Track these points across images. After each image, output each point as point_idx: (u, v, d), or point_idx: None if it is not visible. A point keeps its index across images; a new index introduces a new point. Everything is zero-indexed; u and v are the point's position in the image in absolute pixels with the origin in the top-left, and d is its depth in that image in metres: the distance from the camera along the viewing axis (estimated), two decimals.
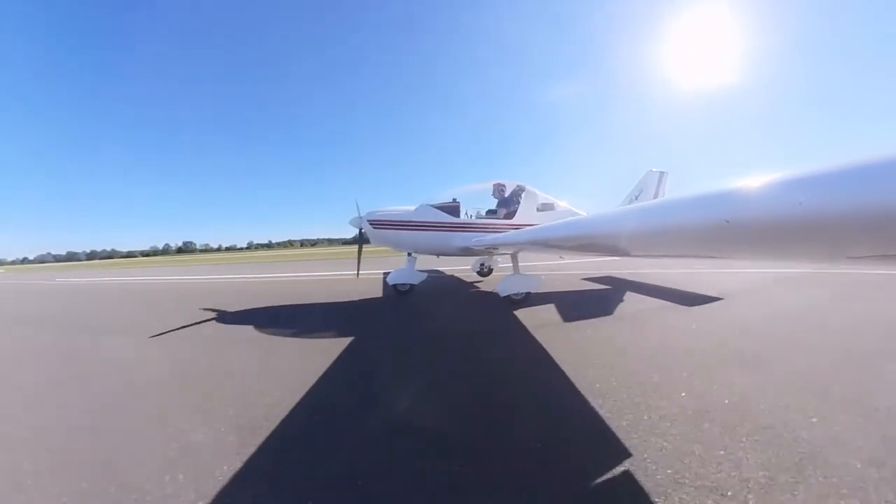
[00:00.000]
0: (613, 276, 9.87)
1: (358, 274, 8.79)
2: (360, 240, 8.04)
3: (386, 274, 8.93)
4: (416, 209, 7.75)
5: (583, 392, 2.89)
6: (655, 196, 10.11)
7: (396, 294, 8.00)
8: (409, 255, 8.26)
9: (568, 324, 5.27)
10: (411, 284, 8.11)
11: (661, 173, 10.30)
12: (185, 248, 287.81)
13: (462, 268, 12.42)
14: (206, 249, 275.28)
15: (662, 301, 6.44)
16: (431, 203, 7.86)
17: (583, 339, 4.44)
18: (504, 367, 3.70)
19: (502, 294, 6.48)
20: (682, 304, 6.07)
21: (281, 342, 4.95)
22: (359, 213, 7.71)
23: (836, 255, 1.60)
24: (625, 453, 2.08)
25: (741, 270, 9.23)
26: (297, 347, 4.66)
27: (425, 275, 8.48)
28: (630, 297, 6.96)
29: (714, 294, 6.58)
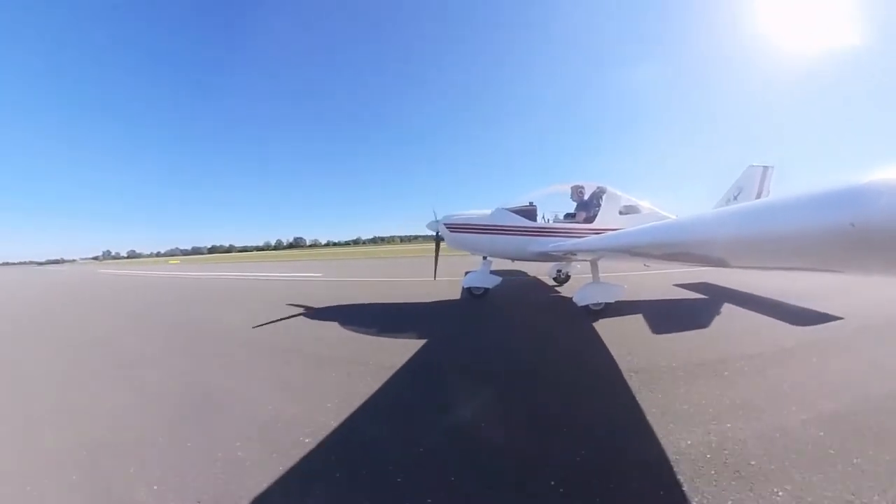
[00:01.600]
0: (711, 283, 8.94)
1: (435, 276, 8.95)
2: (437, 243, 8.19)
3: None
4: (492, 213, 7.73)
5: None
6: (758, 195, 8.97)
7: (471, 297, 8.03)
8: (485, 258, 8.26)
9: (656, 338, 4.83)
10: (486, 288, 8.10)
11: (765, 168, 9.05)
12: (296, 244, 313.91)
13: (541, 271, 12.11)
14: (315, 245, 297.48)
15: (767, 317, 5.61)
16: (508, 207, 7.78)
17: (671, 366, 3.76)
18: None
19: (580, 303, 6.17)
20: (792, 323, 5.20)
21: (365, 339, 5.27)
22: (435, 217, 7.88)
23: None
24: None
25: (866, 281, 7.74)
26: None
27: (500, 279, 8.41)
28: (729, 311, 6.16)
29: (833, 312, 5.54)
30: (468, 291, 8.21)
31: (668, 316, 5.99)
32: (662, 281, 9.50)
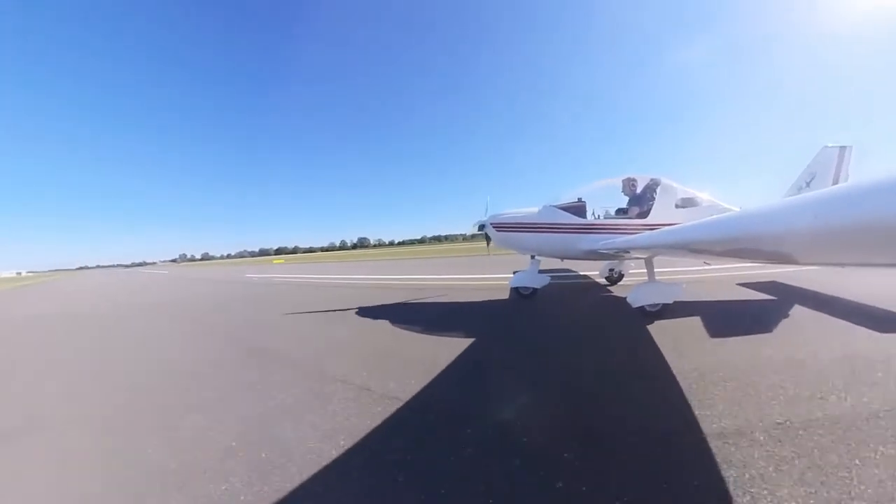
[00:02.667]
0: (780, 282, 8.19)
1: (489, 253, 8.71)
2: (487, 240, 8.19)
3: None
4: (539, 211, 7.59)
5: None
6: (835, 181, 8.10)
7: (519, 297, 7.94)
8: (533, 257, 8.14)
9: (713, 341, 4.50)
10: (534, 288, 7.96)
11: (842, 148, 8.07)
12: (360, 244, 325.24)
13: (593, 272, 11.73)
14: (380, 244, 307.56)
15: (844, 321, 4.96)
16: (555, 204, 7.61)
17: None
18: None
19: (634, 304, 5.81)
20: (874, 329, 4.55)
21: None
22: (485, 215, 7.89)
23: None
24: None
25: None
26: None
27: (549, 278, 8.24)
28: (799, 314, 5.53)
29: None
30: (516, 291, 8.11)
31: (730, 318, 5.51)
32: (725, 280, 8.85)
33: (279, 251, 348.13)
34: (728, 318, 5.49)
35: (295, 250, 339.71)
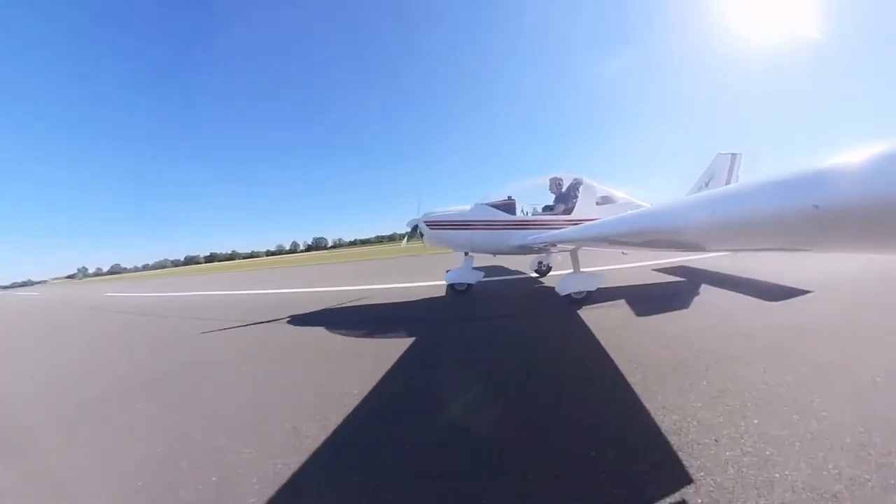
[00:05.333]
0: (687, 265, 9.37)
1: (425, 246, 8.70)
2: (412, 235, 8.27)
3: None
4: (471, 208, 7.74)
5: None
6: (728, 182, 9.22)
7: (455, 294, 8.05)
8: (466, 254, 8.28)
9: (639, 320, 5.06)
10: (469, 284, 8.12)
11: (734, 155, 9.29)
12: (316, 245, 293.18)
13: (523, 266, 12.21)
14: (339, 244, 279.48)
15: (742, 295, 5.99)
16: (486, 202, 7.82)
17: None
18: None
19: (562, 293, 6.33)
20: (765, 299, 5.54)
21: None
22: (418, 216, 7.87)
23: None
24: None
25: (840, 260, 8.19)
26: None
27: (482, 273, 8.45)
28: (707, 292, 6.48)
29: (803, 287, 5.94)
30: (451, 288, 8.22)
31: (648, 299, 6.24)
32: (643, 267, 9.79)
33: (211, 258, 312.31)
34: (651, 300, 6.19)
35: (232, 256, 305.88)
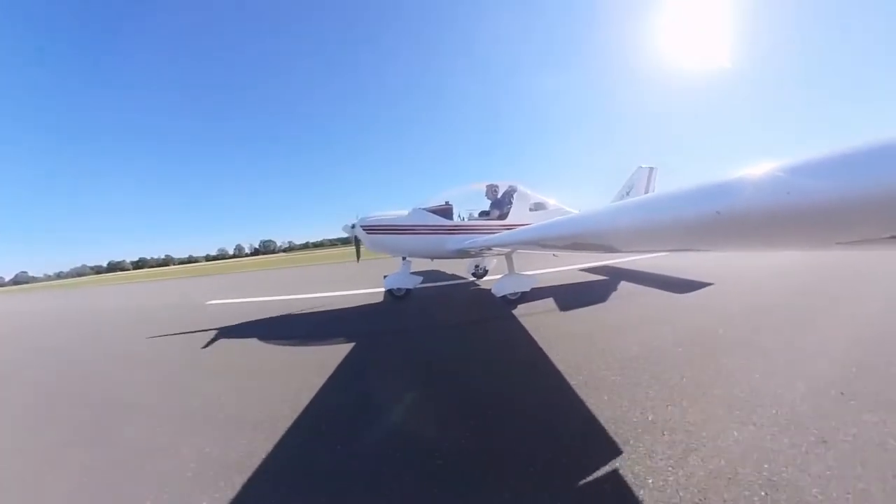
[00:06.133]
0: (610, 265, 10.23)
1: (358, 260, 8.62)
2: (357, 243, 8.05)
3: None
4: (409, 213, 7.73)
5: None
6: (646, 192, 10.21)
7: (393, 299, 7.98)
8: (405, 259, 8.24)
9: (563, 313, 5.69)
10: (407, 289, 8.10)
11: (651, 168, 10.41)
12: (264, 248, 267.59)
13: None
14: (290, 248, 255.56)
15: (656, 289, 6.78)
16: (424, 206, 7.85)
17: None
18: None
19: (498, 294, 6.55)
20: (675, 292, 6.44)
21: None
22: (356, 220, 7.70)
23: (826, 241, 1.62)
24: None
25: (734, 258, 9.53)
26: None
27: (421, 278, 8.46)
28: (624, 287, 7.27)
29: (706, 280, 7.02)
30: (390, 293, 8.14)
31: (574, 296, 6.81)
32: (572, 268, 10.46)
33: (140, 264, 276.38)
34: (576, 297, 6.77)
35: (166, 262, 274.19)
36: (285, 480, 2.14)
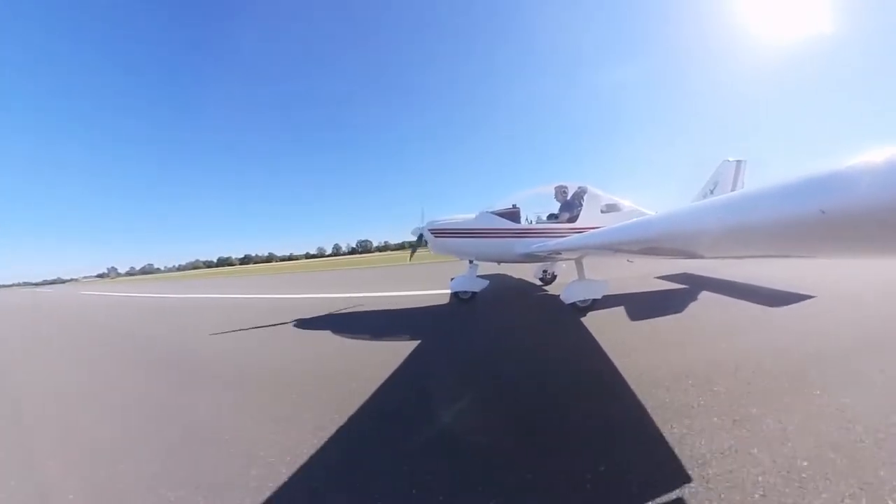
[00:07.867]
0: (690, 273, 9.37)
1: (410, 260, 9.24)
2: (418, 245, 8.24)
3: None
4: (476, 217, 7.76)
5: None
6: (733, 188, 9.21)
7: (458, 301, 8.02)
8: (471, 262, 8.26)
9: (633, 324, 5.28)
10: (473, 292, 8.10)
11: (738, 162, 9.30)
12: (361, 248, 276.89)
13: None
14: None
15: (742, 301, 6.01)
16: (491, 210, 7.83)
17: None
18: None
19: (567, 301, 6.28)
20: (766, 304, 5.59)
21: None
22: (422, 222, 7.89)
23: None
24: None
25: (841, 266, 8.20)
26: None
27: (487, 281, 8.42)
28: (705, 298, 6.56)
29: (806, 292, 5.99)
30: (455, 296, 8.20)
31: (648, 306, 6.31)
32: (647, 275, 9.76)
33: (246, 260, 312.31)
34: (648, 305, 6.29)
35: (270, 258, 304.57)
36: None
